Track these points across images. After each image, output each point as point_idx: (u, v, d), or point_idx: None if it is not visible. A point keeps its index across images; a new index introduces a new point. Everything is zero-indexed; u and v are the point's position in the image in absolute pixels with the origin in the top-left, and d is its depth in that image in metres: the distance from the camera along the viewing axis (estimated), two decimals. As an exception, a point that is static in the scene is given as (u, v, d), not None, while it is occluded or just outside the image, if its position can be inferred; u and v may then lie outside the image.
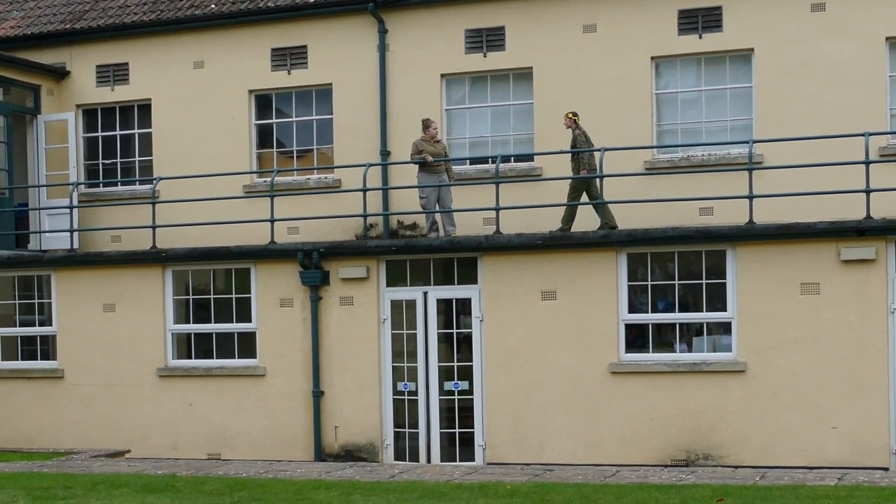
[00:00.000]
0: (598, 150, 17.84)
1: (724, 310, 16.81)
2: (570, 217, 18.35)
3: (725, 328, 16.89)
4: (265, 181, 21.34)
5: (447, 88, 21.04)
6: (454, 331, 18.10)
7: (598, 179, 18.06)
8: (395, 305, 18.29)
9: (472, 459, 17.73)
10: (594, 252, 17.27)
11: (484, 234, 18.33)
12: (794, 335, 16.36)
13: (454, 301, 18.09)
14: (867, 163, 16.57)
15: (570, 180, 18.46)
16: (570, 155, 18.52)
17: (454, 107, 20.98)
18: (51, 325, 20.17)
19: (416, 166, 19.11)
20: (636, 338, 17.27)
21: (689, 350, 17.13)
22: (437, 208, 19.10)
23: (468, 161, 20.71)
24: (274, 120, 22.17)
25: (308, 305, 18.52)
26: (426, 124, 19.21)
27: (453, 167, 19.64)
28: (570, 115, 18.64)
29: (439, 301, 18.12)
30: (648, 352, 17.18)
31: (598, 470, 15.84)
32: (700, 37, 19.56)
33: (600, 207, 17.97)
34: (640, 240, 17.10)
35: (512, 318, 17.58)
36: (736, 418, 16.56)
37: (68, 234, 21.49)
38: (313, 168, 21.75)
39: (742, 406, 16.54)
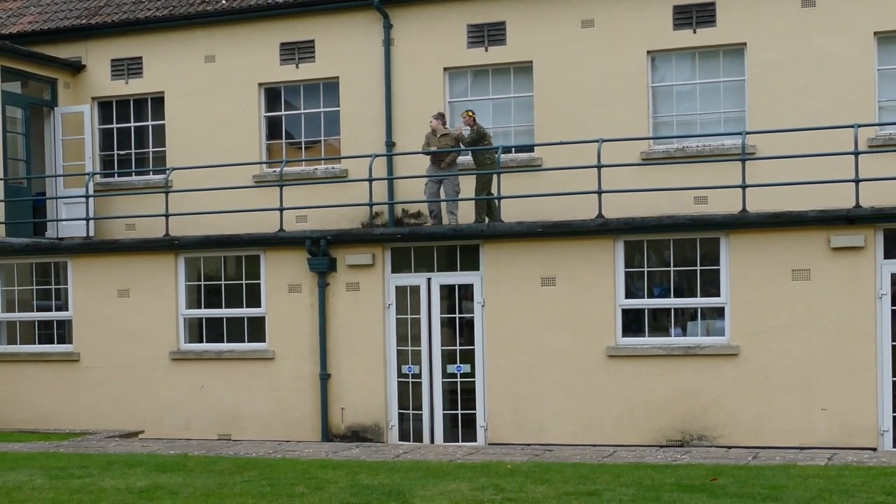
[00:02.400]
0: (596, 140, 17.74)
1: (718, 295, 16.73)
2: (487, 209, 18.72)
3: (719, 313, 16.80)
4: (274, 171, 21.29)
5: (450, 81, 20.94)
6: (457, 316, 18.03)
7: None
8: (400, 291, 18.21)
9: (474, 440, 17.67)
10: (592, 239, 17.19)
11: (486, 223, 18.26)
12: (785, 320, 16.29)
13: (457, 287, 18.01)
14: (856, 153, 16.51)
15: (476, 175, 18.91)
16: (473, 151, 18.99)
17: (457, 99, 20.87)
18: (67, 310, 20.10)
19: (423, 157, 19.07)
20: (633, 322, 17.20)
21: (684, 334, 17.05)
22: (441, 198, 19.03)
23: (470, 152, 20.61)
24: (283, 112, 22.09)
25: (316, 291, 18.44)
26: (437, 117, 19.12)
27: (457, 157, 19.50)
28: (470, 114, 18.94)
29: (442, 287, 18.05)
30: (644, 336, 17.10)
31: (596, 450, 15.78)
32: (694, 31, 19.46)
33: (494, 203, 18.43)
34: (637, 228, 17.01)
35: (513, 303, 17.50)
36: (729, 400, 16.49)
37: (84, 222, 21.41)
38: (321, 158, 21.66)
39: (735, 388, 16.46)
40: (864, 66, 18.59)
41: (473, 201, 18.87)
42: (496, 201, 18.46)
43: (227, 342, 19.22)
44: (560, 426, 17.20)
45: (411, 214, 20.77)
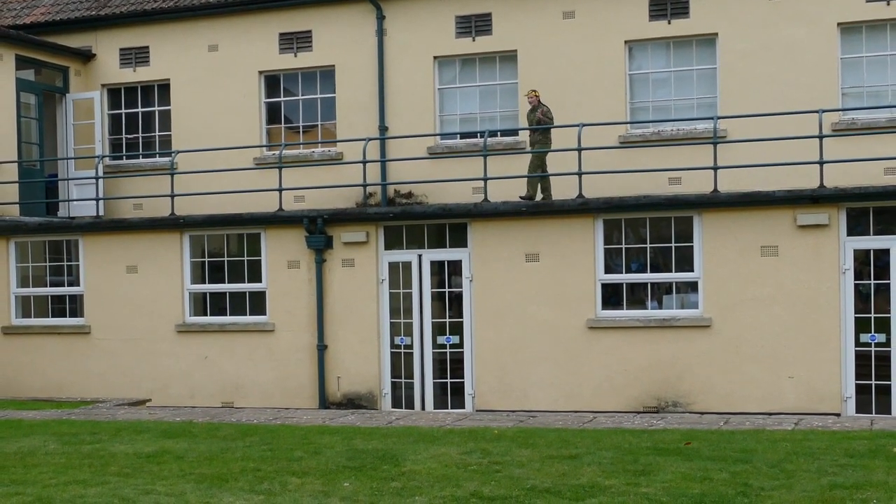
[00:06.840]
0: (577, 125, 17.62)
1: (692, 270, 16.64)
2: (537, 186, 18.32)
3: (692, 287, 16.72)
4: (274, 154, 21.12)
5: (439, 69, 20.77)
6: (446, 290, 17.91)
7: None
8: (393, 267, 18.09)
9: (463, 407, 17.58)
10: (574, 218, 17.09)
11: (473, 202, 18.14)
12: (754, 293, 16.21)
13: (446, 263, 17.88)
14: (821, 137, 16.44)
15: (533, 154, 18.33)
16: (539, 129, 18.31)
17: (446, 86, 20.72)
18: (79, 285, 19.93)
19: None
20: (611, 296, 17.09)
21: (660, 307, 16.95)
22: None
23: (458, 136, 20.57)
24: (282, 98, 21.91)
25: (313, 267, 18.31)
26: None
27: (442, 141, 19.29)
28: (535, 93, 18.42)
29: (433, 263, 17.92)
30: (622, 309, 17.00)
31: (577, 416, 15.72)
32: (669, 22, 19.32)
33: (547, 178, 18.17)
34: (616, 207, 16.91)
35: (499, 278, 17.39)
36: (702, 369, 16.42)
37: (94, 202, 21.29)
38: (318, 142, 21.53)
39: (707, 358, 16.39)
40: (828, 55, 18.50)
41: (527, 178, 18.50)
42: (548, 179, 18.20)
43: (230, 315, 19.08)
44: (543, 394, 17.12)
45: (403, 195, 20.63)
